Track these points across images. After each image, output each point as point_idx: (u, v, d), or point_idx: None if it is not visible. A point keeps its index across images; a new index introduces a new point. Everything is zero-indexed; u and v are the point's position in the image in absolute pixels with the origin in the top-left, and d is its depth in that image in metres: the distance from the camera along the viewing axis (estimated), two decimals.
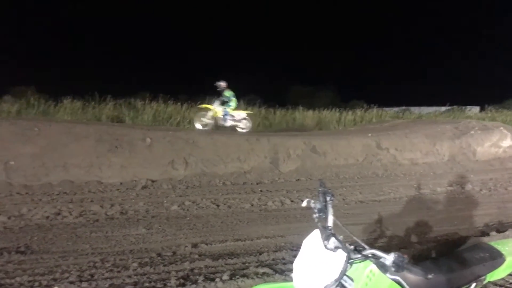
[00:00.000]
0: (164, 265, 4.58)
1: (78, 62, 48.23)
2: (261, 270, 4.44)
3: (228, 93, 13.06)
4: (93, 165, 8.54)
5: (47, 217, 6.27)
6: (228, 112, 13.02)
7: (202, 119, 12.88)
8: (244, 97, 18.31)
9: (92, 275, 4.27)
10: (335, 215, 2.29)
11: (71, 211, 6.55)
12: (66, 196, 7.44)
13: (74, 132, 8.94)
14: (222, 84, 13.13)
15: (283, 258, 4.87)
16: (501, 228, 6.10)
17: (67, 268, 4.45)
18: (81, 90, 15.86)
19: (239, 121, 13.27)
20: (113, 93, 15.45)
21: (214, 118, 12.93)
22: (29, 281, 4.09)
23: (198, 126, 12.77)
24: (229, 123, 13.07)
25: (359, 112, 20.35)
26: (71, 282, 4.08)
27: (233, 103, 13.16)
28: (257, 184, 9.17)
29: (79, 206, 6.79)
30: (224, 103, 13.03)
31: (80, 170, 8.40)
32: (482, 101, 27.05)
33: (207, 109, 13.02)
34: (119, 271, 4.38)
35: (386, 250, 2.02)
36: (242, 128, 13.32)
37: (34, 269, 4.42)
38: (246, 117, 13.46)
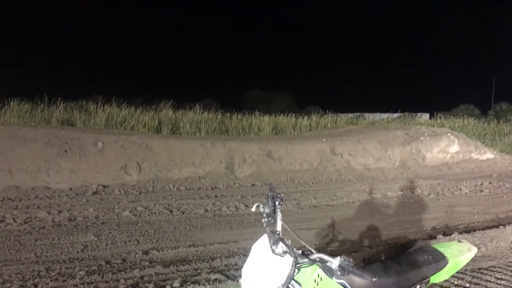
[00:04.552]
0: (113, 273, 4.44)
1: (27, 62, 46.58)
2: (213, 276, 4.39)
3: None
4: (40, 170, 8.21)
5: None
6: None
7: None
8: (200, 102, 18.19)
9: (35, 285, 4.09)
10: (287, 219, 2.28)
11: (16, 218, 6.26)
12: (11, 203, 7.11)
13: (20, 135, 8.57)
14: None
15: (236, 264, 4.83)
16: (447, 231, 6.32)
17: (8, 278, 4.24)
18: (30, 92, 15.30)
19: None
20: (64, 95, 14.95)
21: None
22: None
23: None
24: None
25: (314, 117, 20.61)
26: None
27: None
28: (212, 189, 9.09)
29: (24, 213, 6.49)
30: None
31: (27, 175, 8.05)
32: (432, 108, 28.13)
33: None
34: (64, 280, 4.21)
35: (337, 254, 2.03)
36: None
37: None
38: None
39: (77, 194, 7.86)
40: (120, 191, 8.24)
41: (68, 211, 6.73)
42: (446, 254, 2.83)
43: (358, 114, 27.41)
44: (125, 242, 5.55)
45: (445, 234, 6.01)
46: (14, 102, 13.43)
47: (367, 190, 9.44)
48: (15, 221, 6.15)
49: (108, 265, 4.70)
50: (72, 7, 62.54)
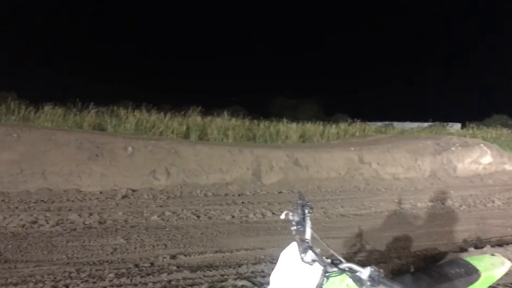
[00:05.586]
0: (141, 276, 4.50)
1: (61, 68, 47.86)
2: (239, 282, 4.40)
3: None
4: (72, 173, 8.42)
5: (23, 226, 6.13)
6: None
7: None
8: (228, 108, 18.27)
9: (66, 286, 4.18)
10: (314, 228, 2.28)
11: (48, 219, 6.43)
12: (44, 204, 7.31)
13: (54, 139, 8.82)
14: None
15: (262, 271, 4.83)
16: (479, 244, 6.16)
17: (41, 278, 4.35)
18: (64, 97, 15.69)
19: None
20: (96, 100, 15.28)
21: None
22: None
23: None
24: None
25: (342, 126, 20.43)
26: None
27: None
28: (239, 195, 9.12)
29: (57, 215, 6.66)
30: None
31: (59, 178, 8.26)
32: (464, 118, 27.50)
33: None
34: (94, 282, 4.30)
35: (365, 264, 2.01)
36: None
37: (7, 278, 4.31)
38: None
39: (107, 198, 8.02)
40: (148, 196, 8.37)
41: (98, 214, 6.87)
42: (478, 268, 2.75)
43: (387, 123, 27.05)
44: (153, 246, 5.63)
45: (477, 247, 5.87)
46: (48, 106, 13.80)
47: (396, 200, 9.30)
48: (48, 223, 6.31)
49: (136, 268, 4.77)
50: (106, 14, 64.07)
